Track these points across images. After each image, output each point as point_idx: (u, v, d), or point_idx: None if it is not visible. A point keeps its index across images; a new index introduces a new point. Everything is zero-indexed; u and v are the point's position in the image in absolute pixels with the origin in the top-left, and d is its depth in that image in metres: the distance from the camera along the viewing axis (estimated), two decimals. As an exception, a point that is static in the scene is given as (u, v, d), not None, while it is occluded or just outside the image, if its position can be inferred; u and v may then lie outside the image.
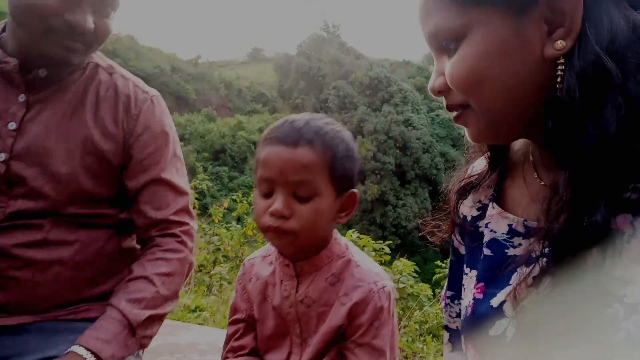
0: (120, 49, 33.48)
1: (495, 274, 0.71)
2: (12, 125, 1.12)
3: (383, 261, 4.80)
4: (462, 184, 0.85)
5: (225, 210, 6.80)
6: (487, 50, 0.61)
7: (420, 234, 0.91)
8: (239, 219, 7.13)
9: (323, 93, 36.75)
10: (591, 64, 0.57)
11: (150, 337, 1.15)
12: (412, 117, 32.98)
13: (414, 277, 4.77)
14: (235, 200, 6.66)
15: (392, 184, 30.14)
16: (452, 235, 0.87)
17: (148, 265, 1.18)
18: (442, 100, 0.68)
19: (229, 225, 6.69)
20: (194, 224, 1.30)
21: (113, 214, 1.24)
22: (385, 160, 30.34)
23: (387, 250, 4.91)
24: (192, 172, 27.39)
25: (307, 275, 1.08)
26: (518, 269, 0.67)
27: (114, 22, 1.15)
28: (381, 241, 5.26)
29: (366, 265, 1.07)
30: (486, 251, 0.75)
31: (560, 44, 0.59)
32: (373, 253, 4.75)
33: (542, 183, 0.71)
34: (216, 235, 5.66)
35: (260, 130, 33.46)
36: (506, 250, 0.72)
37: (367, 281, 1.04)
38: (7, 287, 1.10)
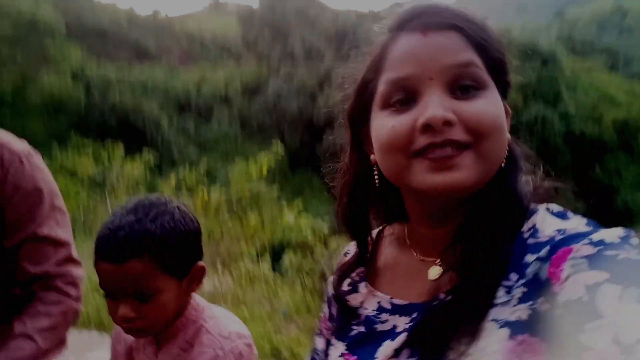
0: (73, 6, 31.72)
1: (364, 348, 0.75)
2: None
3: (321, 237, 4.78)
4: (341, 267, 0.89)
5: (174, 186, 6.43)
6: (501, 109, 0.68)
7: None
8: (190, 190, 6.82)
9: (289, 43, 35.92)
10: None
11: None
12: (379, 66, 32.76)
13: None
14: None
15: (361, 134, 30.23)
16: (326, 311, 0.91)
17: (29, 322, 1.22)
18: (425, 137, 0.64)
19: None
20: (78, 272, 1.34)
21: None
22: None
23: (325, 228, 4.91)
24: (156, 126, 26.81)
25: (166, 341, 1.14)
26: (384, 343, 0.72)
27: None
28: (319, 214, 5.24)
29: (216, 330, 1.12)
30: (358, 327, 0.79)
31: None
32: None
33: (421, 258, 0.76)
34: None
35: (226, 82, 32.71)
36: (375, 326, 0.76)
37: (213, 347, 1.09)
38: None
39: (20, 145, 1.29)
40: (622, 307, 0.49)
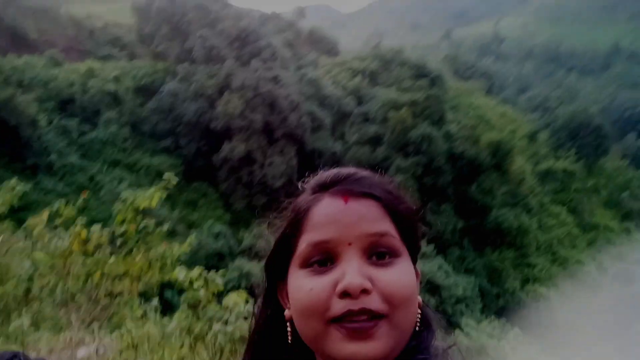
0: None
1: None
2: None
3: (215, 292, 4.59)
4: None
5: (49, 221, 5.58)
6: (413, 276, 0.72)
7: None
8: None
9: (188, 41, 34.55)
10: None
11: None
12: (280, 74, 32.79)
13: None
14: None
15: (259, 143, 30.04)
16: None
17: None
18: (342, 303, 0.67)
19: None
20: None
21: None
22: (253, 118, 30.01)
23: (219, 282, 4.67)
24: (33, 125, 24.15)
25: None
26: None
27: None
28: (214, 271, 5.07)
29: None
30: None
31: None
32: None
33: None
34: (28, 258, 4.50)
35: (117, 78, 30.43)
36: None
37: None
38: None
39: None
40: None
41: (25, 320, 3.78)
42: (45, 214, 5.74)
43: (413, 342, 0.71)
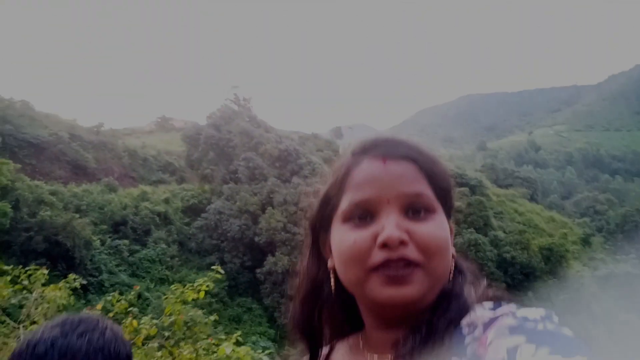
0: (11, 115, 31.26)
1: None
2: None
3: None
4: None
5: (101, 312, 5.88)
6: (447, 230, 0.77)
7: None
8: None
9: (233, 164, 36.62)
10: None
11: None
12: (321, 188, 33.67)
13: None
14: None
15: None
16: None
17: None
18: (382, 253, 0.73)
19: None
20: None
21: None
22: (296, 232, 30.34)
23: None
24: (87, 247, 25.22)
25: None
26: None
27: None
28: (260, 350, 4.99)
29: None
30: None
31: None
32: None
33: (376, 357, 0.82)
34: None
35: (167, 200, 32.10)
36: None
37: None
38: None
39: None
40: None
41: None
42: (99, 306, 5.83)
43: (447, 288, 0.77)
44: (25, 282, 6.43)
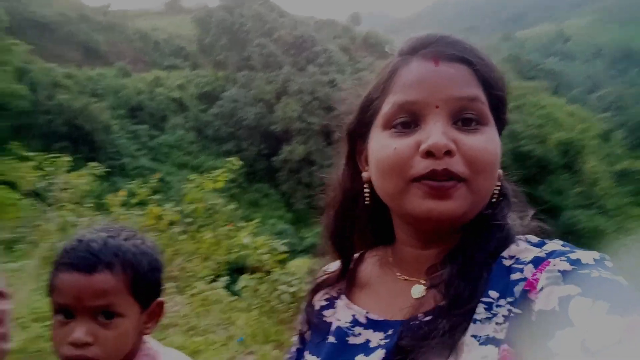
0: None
1: (337, 359, 0.77)
2: None
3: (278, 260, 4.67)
4: (318, 281, 0.90)
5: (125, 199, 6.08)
6: (498, 146, 0.71)
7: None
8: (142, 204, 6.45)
9: (246, 50, 35.56)
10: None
11: None
12: (337, 77, 32.99)
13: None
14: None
15: (318, 145, 30.31)
16: (301, 327, 0.91)
17: None
18: (425, 163, 0.66)
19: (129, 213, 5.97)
20: (3, 305, 1.29)
21: None
22: (311, 121, 30.31)
23: (284, 249, 4.80)
24: (106, 131, 25.65)
25: None
26: (356, 358, 0.74)
27: None
28: (278, 240, 5.16)
29: None
30: (331, 338, 0.80)
31: None
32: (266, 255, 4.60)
33: (405, 278, 0.78)
34: None
35: (181, 86, 31.82)
36: (347, 339, 0.77)
37: None
38: None
39: None
40: (590, 317, 0.53)
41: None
42: (122, 193, 6.01)
43: (489, 210, 0.72)
44: (50, 169, 6.60)
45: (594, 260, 0.61)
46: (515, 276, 0.65)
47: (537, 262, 0.64)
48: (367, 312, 0.79)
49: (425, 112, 0.68)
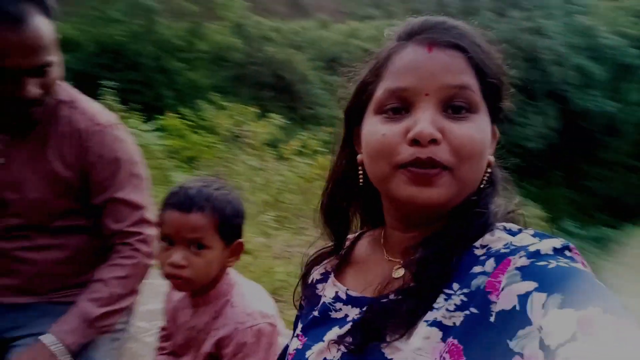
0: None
1: (315, 330, 0.82)
2: (1, 160, 1.44)
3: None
4: (317, 254, 0.95)
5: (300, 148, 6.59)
6: (487, 135, 0.72)
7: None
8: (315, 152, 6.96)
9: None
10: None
11: (110, 325, 1.49)
12: (543, 23, 29.21)
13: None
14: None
15: (517, 101, 27.64)
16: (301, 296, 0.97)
17: (106, 270, 1.48)
18: (412, 150, 0.68)
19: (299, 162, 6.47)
20: (151, 231, 1.53)
21: (86, 224, 1.55)
22: (510, 74, 27.67)
23: None
24: (303, 81, 27.69)
25: (199, 308, 1.33)
26: (332, 328, 0.78)
27: (57, 59, 1.35)
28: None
29: (241, 306, 1.30)
30: (315, 312, 0.86)
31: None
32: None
33: (389, 259, 0.81)
34: (280, 175, 5.34)
35: (374, 38, 32.12)
36: (329, 313, 0.83)
37: (235, 321, 1.28)
38: (15, 274, 1.51)
39: (105, 117, 1.50)
40: (545, 313, 0.53)
41: (270, 219, 4.62)
42: (295, 143, 6.80)
43: (474, 196, 0.72)
44: (239, 118, 7.73)
45: (553, 249, 0.61)
46: (476, 269, 0.66)
47: (500, 258, 0.64)
48: (347, 289, 0.83)
49: (416, 99, 0.69)
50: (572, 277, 0.56)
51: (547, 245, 0.61)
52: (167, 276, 1.22)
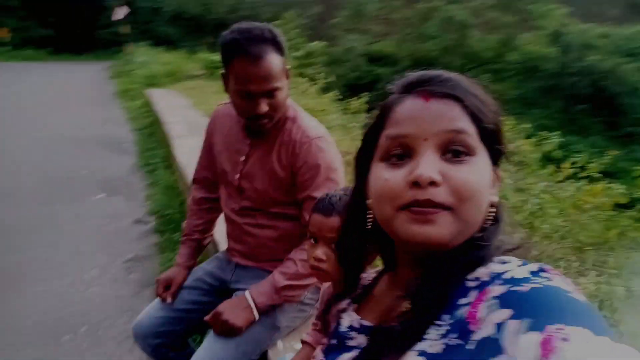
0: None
1: (331, 354, 0.91)
2: (242, 157, 1.85)
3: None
4: (333, 294, 1.04)
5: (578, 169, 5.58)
6: (486, 176, 0.75)
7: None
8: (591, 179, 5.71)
9: None
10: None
11: (293, 296, 1.76)
12: None
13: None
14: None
15: None
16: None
17: (297, 252, 1.76)
18: (409, 193, 0.72)
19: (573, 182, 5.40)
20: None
21: (294, 213, 1.84)
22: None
23: None
24: (632, 94, 23.09)
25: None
26: (343, 354, 0.87)
27: (284, 85, 1.67)
28: None
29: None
30: (333, 340, 0.93)
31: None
32: None
33: (400, 294, 0.83)
34: (536, 197, 4.53)
35: None
36: (345, 342, 0.90)
37: None
38: (243, 243, 1.93)
39: (314, 131, 1.75)
40: (516, 339, 0.54)
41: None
42: (567, 165, 5.94)
43: (478, 234, 0.74)
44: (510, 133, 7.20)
45: (530, 272, 0.63)
46: (462, 300, 0.68)
47: (481, 287, 0.67)
48: (361, 319, 0.89)
49: (416, 144, 0.73)
50: (544, 296, 0.57)
51: (523, 270, 0.64)
52: (311, 268, 1.31)
